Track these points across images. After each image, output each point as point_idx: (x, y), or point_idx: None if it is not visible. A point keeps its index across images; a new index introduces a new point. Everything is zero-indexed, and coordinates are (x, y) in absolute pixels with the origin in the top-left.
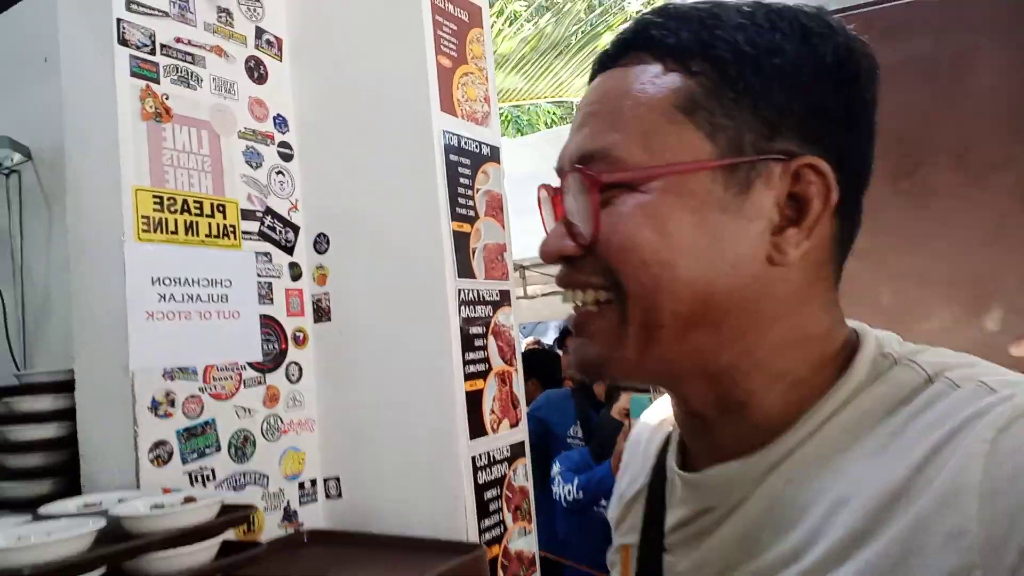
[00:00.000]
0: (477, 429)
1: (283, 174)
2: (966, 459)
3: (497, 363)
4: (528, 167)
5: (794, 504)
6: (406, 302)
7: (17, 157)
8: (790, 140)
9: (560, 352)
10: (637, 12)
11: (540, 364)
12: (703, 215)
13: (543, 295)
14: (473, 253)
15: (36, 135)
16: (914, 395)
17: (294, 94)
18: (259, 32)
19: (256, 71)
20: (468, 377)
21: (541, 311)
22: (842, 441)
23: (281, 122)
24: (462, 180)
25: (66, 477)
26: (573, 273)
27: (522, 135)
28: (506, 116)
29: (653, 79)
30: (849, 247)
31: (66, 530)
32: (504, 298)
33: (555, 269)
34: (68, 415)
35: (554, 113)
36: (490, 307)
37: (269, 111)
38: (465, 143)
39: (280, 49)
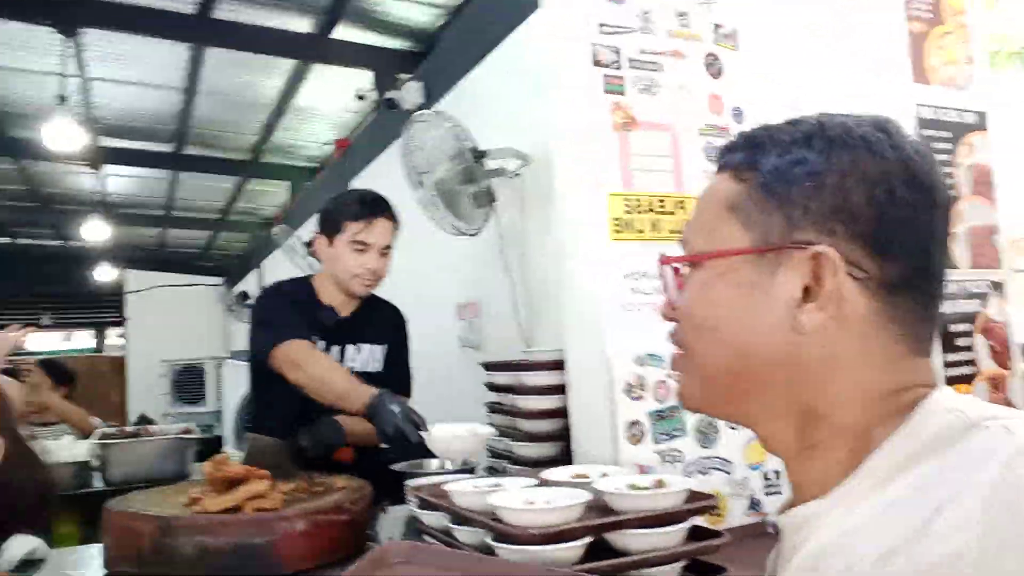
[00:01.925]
0: None
1: None
2: (972, 493)
3: (987, 366)
4: None
5: (842, 540)
6: None
7: (519, 163)
8: (809, 232)
9: None
10: None
11: None
12: (740, 291)
13: None
14: (955, 238)
15: (532, 142)
16: (955, 439)
17: (750, 83)
18: (715, 27)
19: (713, 66)
20: (949, 381)
21: None
22: (888, 481)
23: (737, 113)
24: (939, 157)
25: (563, 442)
26: (670, 335)
27: None
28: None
29: (718, 187)
30: (922, 321)
31: (563, 499)
32: (996, 289)
33: None
34: (563, 389)
35: None
36: (977, 300)
37: (725, 104)
38: (943, 114)
39: (736, 39)
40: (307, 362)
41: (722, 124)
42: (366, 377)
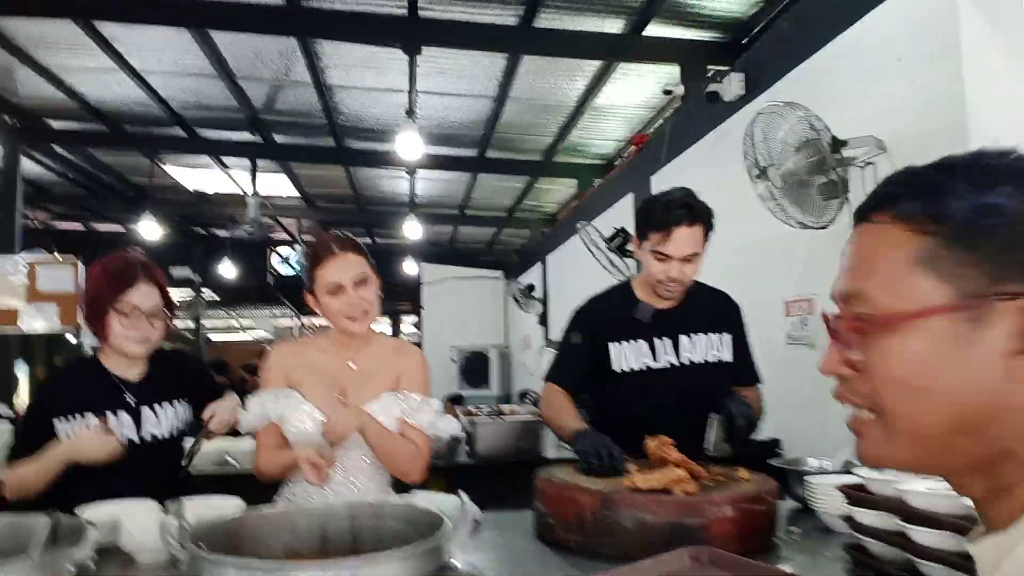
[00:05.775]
0: None
1: None
2: None
3: None
4: None
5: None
6: None
7: (869, 151)
8: (1012, 282)
9: None
10: None
11: None
12: (946, 347)
13: None
14: None
15: (889, 129)
16: None
17: None
18: None
19: None
20: None
21: None
22: None
23: None
24: None
25: None
26: (845, 391)
27: None
28: None
29: (895, 238)
30: None
31: None
32: None
33: None
34: None
35: None
36: None
37: None
38: None
39: None
40: (547, 401)
41: None
42: (713, 367)
